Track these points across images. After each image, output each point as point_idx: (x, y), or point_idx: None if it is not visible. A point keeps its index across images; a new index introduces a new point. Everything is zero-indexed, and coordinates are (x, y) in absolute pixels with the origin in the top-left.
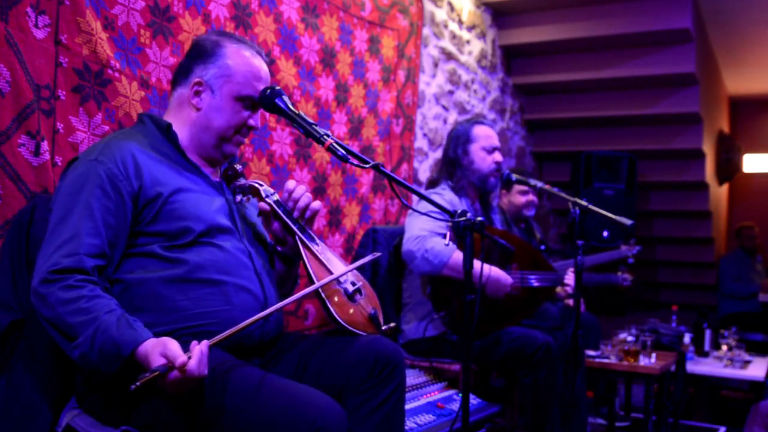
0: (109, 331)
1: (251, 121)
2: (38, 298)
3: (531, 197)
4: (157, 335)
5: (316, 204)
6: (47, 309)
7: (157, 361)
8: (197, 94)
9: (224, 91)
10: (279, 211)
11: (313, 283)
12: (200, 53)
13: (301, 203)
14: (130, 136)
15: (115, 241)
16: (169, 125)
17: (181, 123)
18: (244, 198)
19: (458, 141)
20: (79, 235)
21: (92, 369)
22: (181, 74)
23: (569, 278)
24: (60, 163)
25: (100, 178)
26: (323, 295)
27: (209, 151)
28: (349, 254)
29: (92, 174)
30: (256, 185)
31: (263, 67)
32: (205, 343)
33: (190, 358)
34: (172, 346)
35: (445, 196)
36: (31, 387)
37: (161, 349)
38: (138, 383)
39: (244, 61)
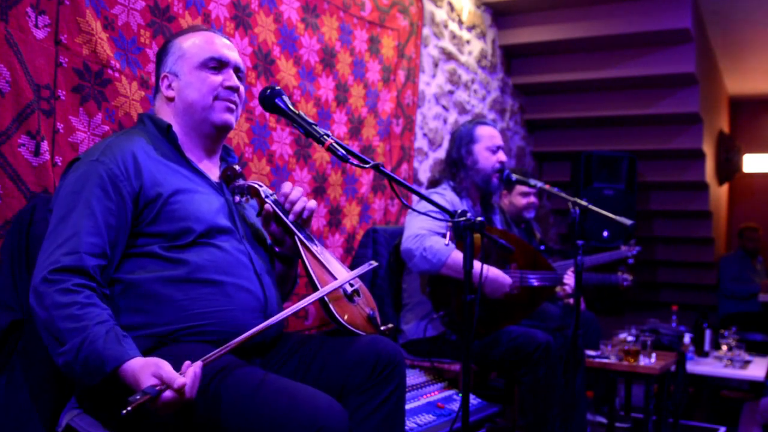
0: (95, 344)
1: (227, 82)
2: (36, 297)
3: (532, 199)
4: (157, 335)
5: (312, 203)
6: (42, 310)
7: (148, 382)
8: (168, 86)
9: (185, 69)
10: (279, 212)
11: (313, 282)
12: (158, 59)
13: (297, 207)
14: (130, 137)
15: (116, 241)
16: (169, 126)
17: (168, 120)
18: (243, 199)
19: (462, 141)
20: (79, 233)
21: (75, 378)
22: (155, 87)
23: (569, 278)
24: (60, 163)
25: (101, 178)
26: (326, 298)
27: (202, 130)
28: (348, 254)
29: (93, 174)
30: (256, 186)
31: (216, 34)
32: (198, 364)
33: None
34: (167, 367)
35: (446, 196)
36: (31, 387)
37: (154, 369)
38: (129, 408)
39: (193, 36)
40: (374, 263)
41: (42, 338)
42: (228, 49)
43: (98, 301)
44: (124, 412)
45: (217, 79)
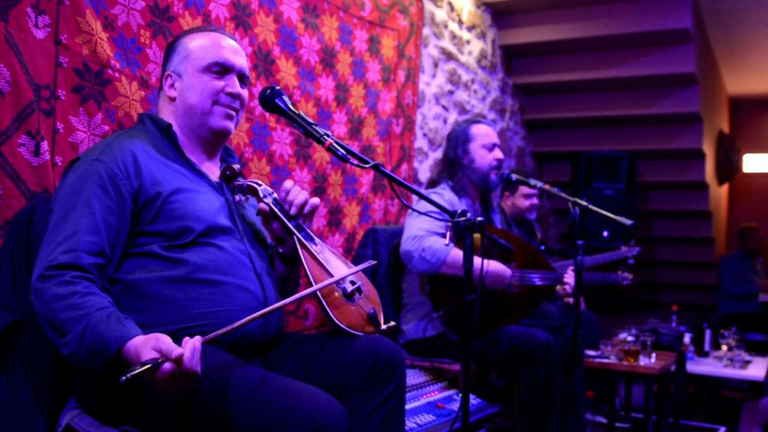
0: (97, 328)
1: (228, 88)
2: (35, 295)
3: (535, 201)
4: None
5: (315, 199)
6: (42, 305)
7: (149, 355)
8: (171, 86)
9: (189, 70)
10: (277, 211)
11: (310, 283)
12: (166, 54)
13: (299, 199)
14: (130, 137)
15: (116, 240)
16: (169, 125)
17: (169, 119)
18: (243, 198)
19: (458, 141)
20: (77, 232)
21: (81, 366)
22: (159, 84)
23: (569, 277)
24: (60, 163)
25: (100, 177)
26: (321, 297)
27: (204, 134)
28: (348, 254)
29: (93, 173)
30: (255, 185)
31: (223, 36)
32: (197, 338)
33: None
34: (165, 340)
35: (444, 196)
36: (31, 386)
37: (153, 343)
38: (129, 375)
39: (201, 37)
40: (372, 261)
41: (46, 333)
42: (234, 53)
43: (97, 291)
44: (123, 378)
45: (219, 84)
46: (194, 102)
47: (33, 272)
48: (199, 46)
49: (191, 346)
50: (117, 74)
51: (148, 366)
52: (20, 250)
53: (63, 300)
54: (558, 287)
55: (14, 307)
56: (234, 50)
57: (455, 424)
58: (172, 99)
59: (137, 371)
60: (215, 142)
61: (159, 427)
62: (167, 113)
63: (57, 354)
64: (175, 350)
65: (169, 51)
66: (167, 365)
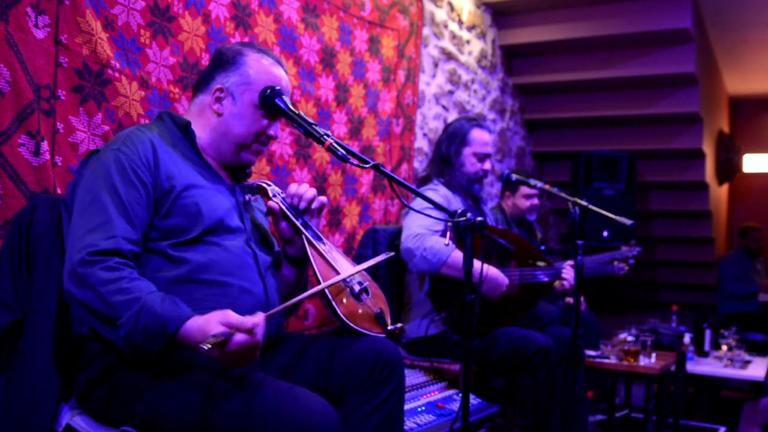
0: (153, 309)
1: (270, 131)
2: (77, 280)
3: (535, 201)
4: None
5: (323, 197)
6: (85, 290)
7: (217, 329)
8: (218, 100)
9: (245, 99)
10: (287, 210)
11: (319, 281)
12: (222, 62)
13: (308, 194)
14: (150, 130)
15: (143, 231)
16: (188, 123)
17: (202, 128)
18: (252, 197)
19: (453, 139)
20: (112, 219)
21: (136, 349)
22: (202, 82)
23: (567, 272)
24: (60, 163)
25: (123, 168)
26: (329, 294)
27: (228, 158)
28: (348, 254)
29: (116, 163)
30: (264, 185)
31: (283, 76)
32: (261, 315)
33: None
34: (234, 314)
35: (440, 191)
36: (31, 386)
37: (221, 318)
38: (209, 344)
39: (264, 69)
40: (390, 253)
41: (87, 319)
42: (288, 96)
43: (140, 277)
44: (205, 347)
45: (265, 123)
46: (239, 132)
47: (69, 257)
48: (261, 80)
49: (260, 318)
50: (117, 74)
51: (222, 338)
52: (20, 250)
53: (111, 284)
54: (556, 283)
55: (14, 307)
56: (288, 92)
57: (455, 424)
58: (216, 113)
59: (217, 340)
60: (235, 166)
61: (158, 428)
62: (203, 123)
63: (58, 354)
64: (247, 321)
65: (227, 62)
66: (240, 336)
